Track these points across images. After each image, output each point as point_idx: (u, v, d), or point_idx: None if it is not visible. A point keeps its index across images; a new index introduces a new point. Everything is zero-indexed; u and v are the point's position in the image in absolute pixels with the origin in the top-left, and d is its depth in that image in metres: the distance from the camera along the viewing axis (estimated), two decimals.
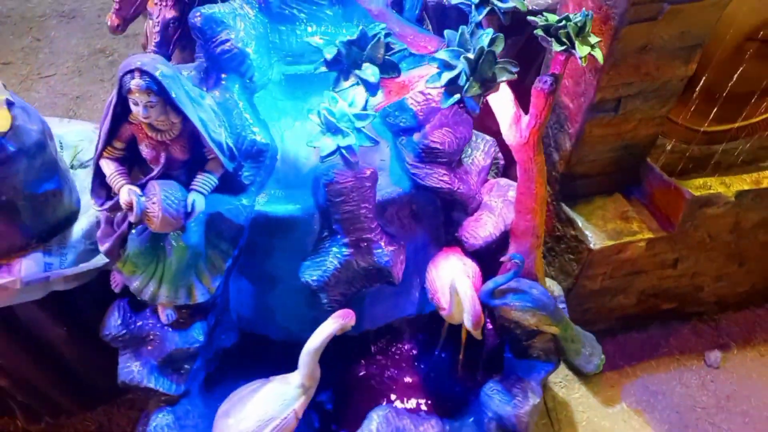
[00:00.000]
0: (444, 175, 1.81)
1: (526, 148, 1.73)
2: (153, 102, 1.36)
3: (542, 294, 1.87)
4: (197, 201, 1.46)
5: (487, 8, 1.42)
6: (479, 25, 1.42)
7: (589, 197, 2.34)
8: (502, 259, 1.81)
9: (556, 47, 1.47)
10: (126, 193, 1.41)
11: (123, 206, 1.41)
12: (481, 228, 1.96)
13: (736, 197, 2.19)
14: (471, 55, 1.34)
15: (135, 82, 1.34)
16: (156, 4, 1.97)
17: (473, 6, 1.42)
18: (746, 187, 2.21)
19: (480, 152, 1.95)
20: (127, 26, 2.30)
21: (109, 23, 2.24)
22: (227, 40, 1.48)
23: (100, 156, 1.45)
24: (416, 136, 1.77)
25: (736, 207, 2.24)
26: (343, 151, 1.47)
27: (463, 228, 2.00)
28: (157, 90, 1.35)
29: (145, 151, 1.45)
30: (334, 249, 1.68)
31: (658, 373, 2.57)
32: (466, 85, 1.35)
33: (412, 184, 1.88)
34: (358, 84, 1.36)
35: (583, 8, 1.47)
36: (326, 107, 1.48)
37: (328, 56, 1.31)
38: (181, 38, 2.07)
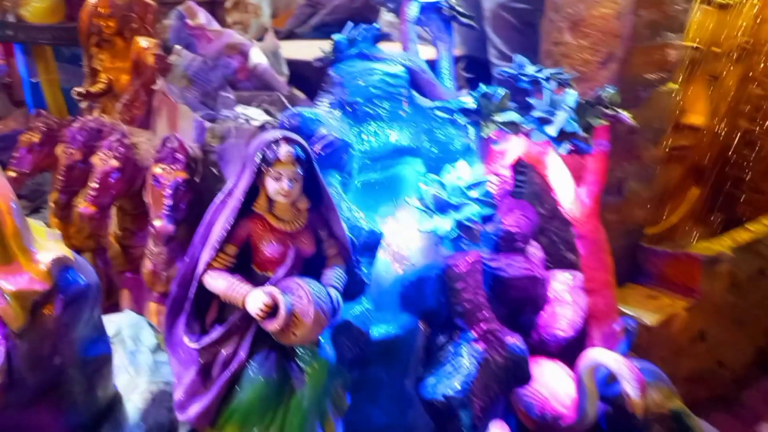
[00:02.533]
0: (524, 262, 1.73)
1: (592, 218, 1.77)
2: (299, 175, 1.16)
3: (649, 365, 1.74)
4: (339, 297, 1.19)
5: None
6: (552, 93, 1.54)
7: None
8: (616, 327, 1.69)
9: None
10: (262, 295, 1.10)
11: (257, 314, 1.08)
12: (563, 319, 1.83)
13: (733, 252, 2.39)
14: (569, 105, 1.42)
15: (285, 149, 1.14)
16: (163, 168, 1.80)
17: (544, 80, 1.55)
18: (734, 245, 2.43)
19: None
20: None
21: (81, 211, 1.97)
22: (326, 135, 1.38)
23: (205, 271, 1.14)
24: (489, 227, 1.71)
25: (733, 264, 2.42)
26: (467, 224, 1.37)
27: (541, 327, 1.85)
28: (305, 159, 1.17)
29: (268, 249, 1.18)
30: (465, 349, 1.42)
31: None
32: (576, 128, 1.40)
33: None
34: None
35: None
36: (431, 187, 1.41)
37: (471, 105, 1.29)
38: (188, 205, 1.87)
